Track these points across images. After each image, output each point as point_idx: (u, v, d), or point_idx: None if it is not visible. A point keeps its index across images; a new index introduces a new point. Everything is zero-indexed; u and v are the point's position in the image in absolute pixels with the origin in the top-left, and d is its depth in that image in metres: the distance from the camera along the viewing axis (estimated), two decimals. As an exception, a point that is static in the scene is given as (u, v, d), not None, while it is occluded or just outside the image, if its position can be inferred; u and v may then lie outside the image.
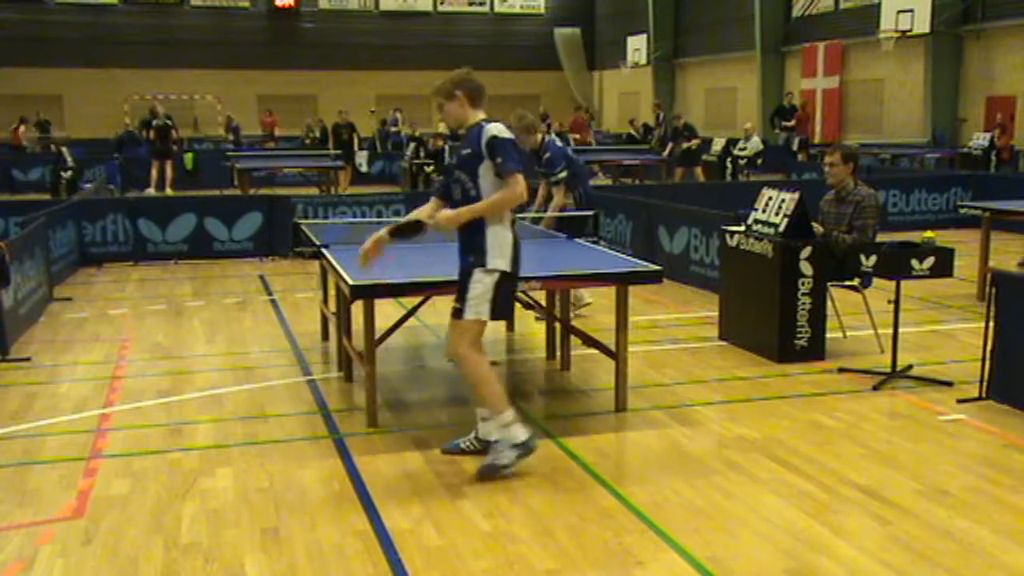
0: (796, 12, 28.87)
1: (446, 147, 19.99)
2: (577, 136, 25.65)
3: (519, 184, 4.72)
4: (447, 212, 4.93)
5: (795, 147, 23.98)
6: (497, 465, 4.93)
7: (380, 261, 5.21)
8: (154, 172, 20.90)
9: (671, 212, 11.18)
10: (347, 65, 36.63)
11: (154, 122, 21.44)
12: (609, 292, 6.12)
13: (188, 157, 22.27)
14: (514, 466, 4.95)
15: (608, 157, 22.06)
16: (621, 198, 12.77)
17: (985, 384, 6.17)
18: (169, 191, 20.35)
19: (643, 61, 34.04)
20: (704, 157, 20.73)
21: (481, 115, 4.97)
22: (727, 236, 7.84)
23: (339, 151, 21.37)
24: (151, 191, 20.30)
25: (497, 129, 4.78)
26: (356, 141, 21.95)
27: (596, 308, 8.75)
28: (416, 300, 6.61)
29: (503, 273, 4.74)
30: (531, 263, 6.26)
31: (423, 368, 7.39)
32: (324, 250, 6.82)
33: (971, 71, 23.05)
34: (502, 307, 4.87)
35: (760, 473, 5.07)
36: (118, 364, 7.38)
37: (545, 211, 8.70)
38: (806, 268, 7.09)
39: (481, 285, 4.76)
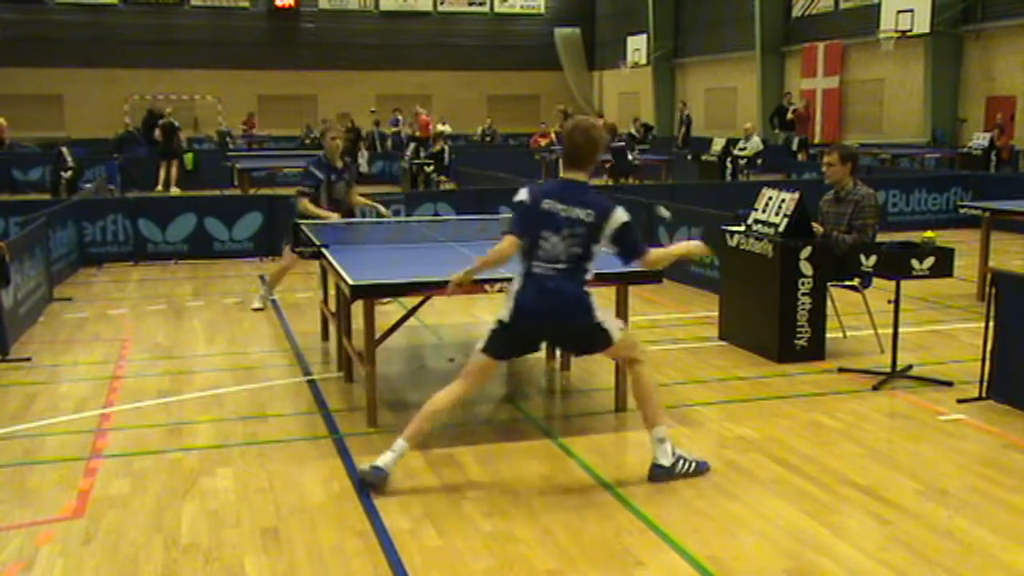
0: (796, 12, 28.88)
1: (446, 147, 19.99)
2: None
3: (502, 240, 4.88)
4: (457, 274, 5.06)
5: (795, 147, 24.00)
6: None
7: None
8: (161, 172, 20.99)
9: (671, 212, 11.15)
10: (347, 65, 36.66)
11: (160, 121, 21.56)
12: (609, 292, 6.12)
13: (188, 157, 22.32)
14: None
15: (608, 157, 22.01)
16: (621, 198, 12.74)
17: (985, 384, 6.17)
18: (175, 190, 20.40)
19: (643, 61, 34.06)
20: (704, 157, 20.76)
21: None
22: (727, 236, 7.84)
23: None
24: (160, 189, 20.41)
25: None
26: (362, 148, 19.08)
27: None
28: (416, 300, 6.61)
29: (500, 320, 4.86)
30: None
31: (423, 368, 7.39)
32: (324, 250, 6.82)
33: (971, 71, 23.06)
34: (497, 348, 4.93)
35: (760, 473, 5.07)
36: (118, 364, 7.38)
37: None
38: (806, 268, 7.10)
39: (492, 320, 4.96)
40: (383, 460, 4.82)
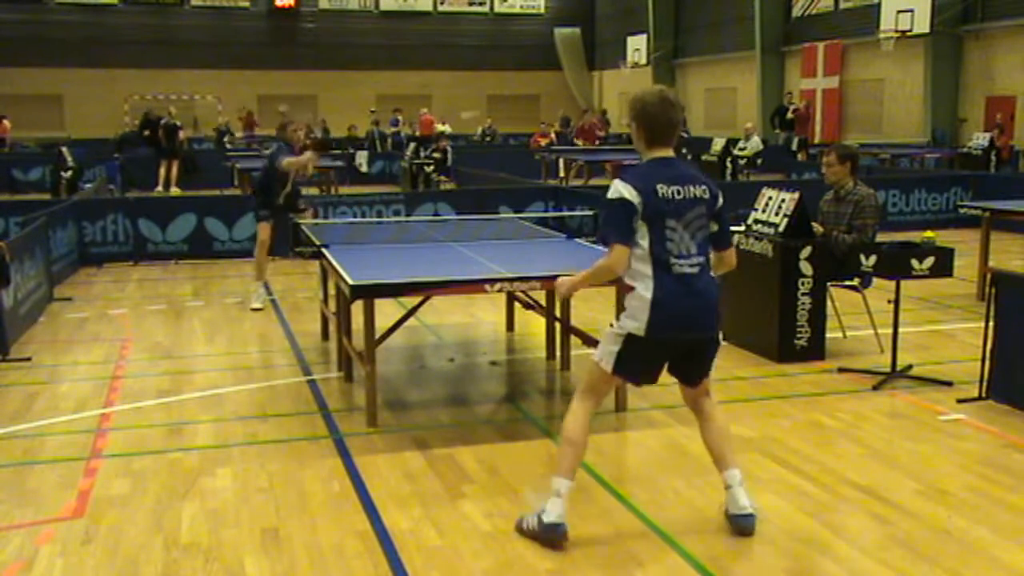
0: (796, 12, 28.89)
1: (448, 148, 20.00)
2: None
3: (611, 253, 4.12)
4: (565, 280, 4.47)
5: (795, 147, 24.02)
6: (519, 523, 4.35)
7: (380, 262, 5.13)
8: (162, 171, 21.04)
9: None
10: (347, 65, 36.65)
11: (162, 121, 21.65)
12: (609, 292, 6.11)
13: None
14: (530, 535, 4.25)
15: (608, 157, 22.05)
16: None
17: (985, 384, 6.17)
18: (175, 190, 20.44)
19: (643, 61, 34.05)
20: (704, 157, 20.79)
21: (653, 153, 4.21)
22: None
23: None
24: (160, 189, 20.44)
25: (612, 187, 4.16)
26: None
27: (596, 308, 8.75)
28: (416, 300, 6.62)
29: (630, 335, 4.14)
30: (530, 263, 6.28)
31: (423, 368, 7.39)
32: (324, 250, 6.83)
33: (971, 71, 23.06)
34: (634, 369, 4.26)
35: (760, 473, 5.07)
36: (118, 364, 7.38)
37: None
38: (806, 268, 7.10)
39: (608, 337, 4.26)
40: (553, 512, 4.17)
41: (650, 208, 4.01)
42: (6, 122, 27.21)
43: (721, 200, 4.19)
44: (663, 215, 4.03)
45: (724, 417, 4.49)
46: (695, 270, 4.10)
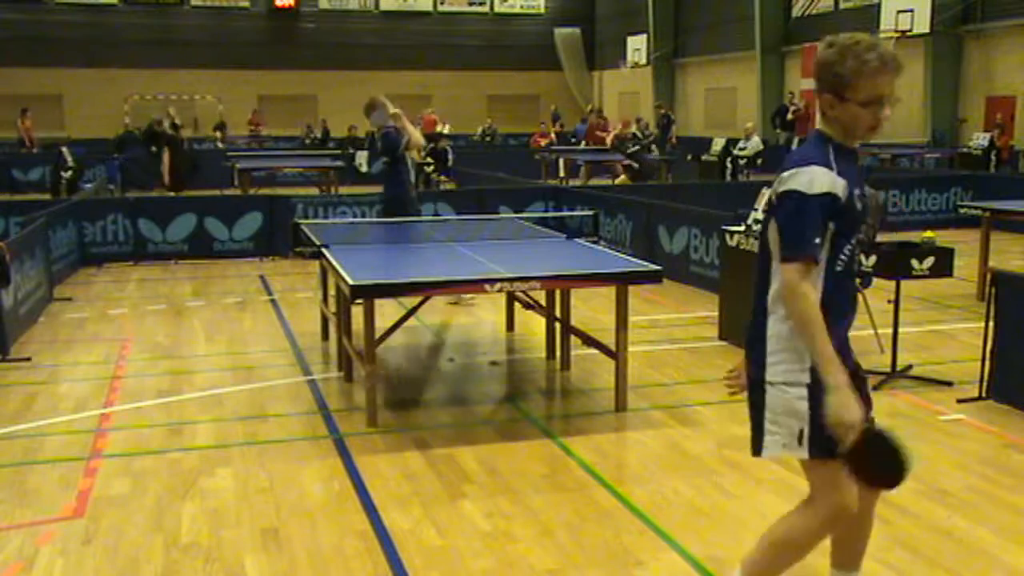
0: (796, 12, 28.88)
1: (448, 148, 19.99)
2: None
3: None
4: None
5: (795, 147, 24.03)
6: None
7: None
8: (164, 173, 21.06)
9: (671, 212, 11.18)
10: (347, 65, 36.60)
11: (164, 121, 21.73)
12: (609, 292, 6.12)
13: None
14: None
15: (609, 157, 22.03)
16: (621, 198, 12.77)
17: (985, 384, 6.17)
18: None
19: (643, 61, 34.04)
20: (704, 157, 20.80)
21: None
22: (727, 236, 7.85)
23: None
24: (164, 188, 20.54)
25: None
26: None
27: (596, 308, 8.75)
28: (416, 300, 6.62)
29: None
30: (530, 263, 6.28)
31: (423, 368, 7.39)
32: (324, 250, 6.83)
33: (971, 71, 23.05)
34: None
35: (760, 473, 5.07)
36: (118, 364, 7.38)
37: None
38: (806, 268, 7.08)
39: None
40: None
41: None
42: (27, 121, 27.23)
43: (775, 193, 3.06)
44: None
45: (793, 537, 3.42)
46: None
